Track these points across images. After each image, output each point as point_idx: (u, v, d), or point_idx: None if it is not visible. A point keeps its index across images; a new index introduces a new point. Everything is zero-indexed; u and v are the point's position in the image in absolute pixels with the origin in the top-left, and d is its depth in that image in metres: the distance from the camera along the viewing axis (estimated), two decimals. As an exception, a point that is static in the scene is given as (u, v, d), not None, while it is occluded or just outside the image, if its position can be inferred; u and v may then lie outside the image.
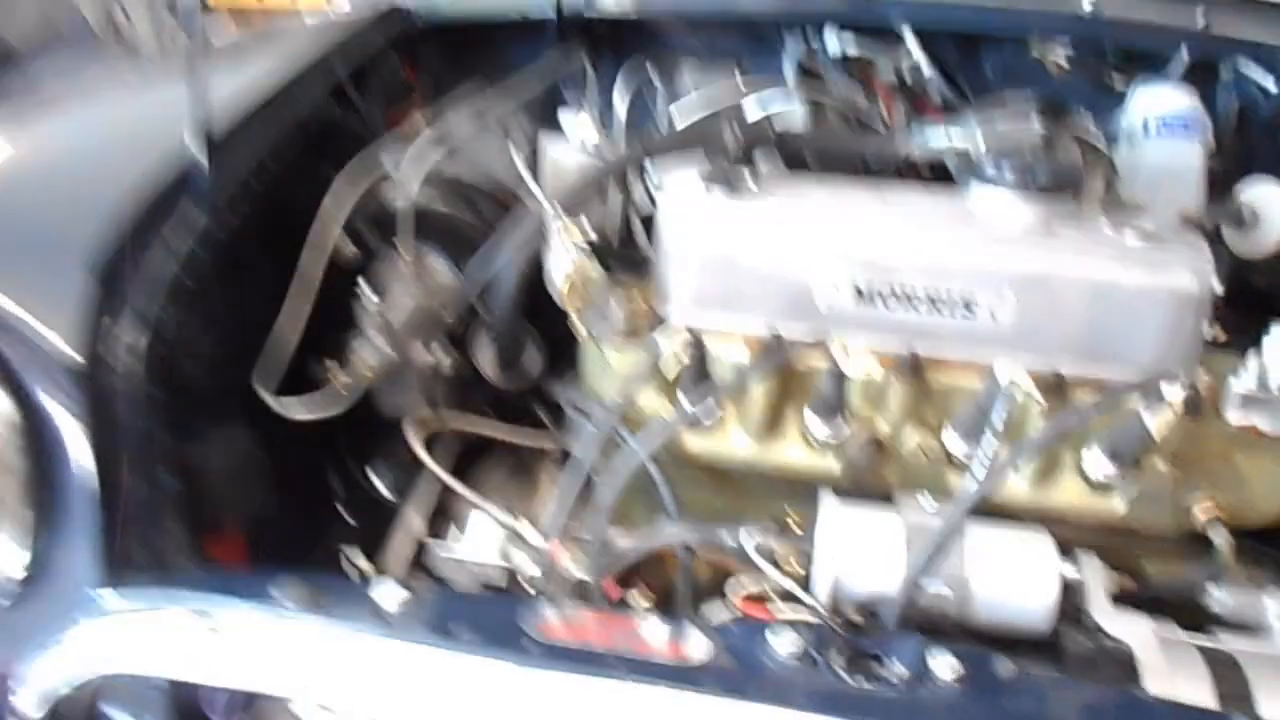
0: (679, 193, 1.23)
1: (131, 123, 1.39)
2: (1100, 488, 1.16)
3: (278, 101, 1.41)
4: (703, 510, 1.22)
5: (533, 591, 1.11)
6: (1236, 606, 1.08)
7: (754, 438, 1.20)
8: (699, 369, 1.14)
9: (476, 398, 1.50)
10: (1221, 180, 1.65)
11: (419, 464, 1.43)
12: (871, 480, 1.16)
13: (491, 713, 0.86)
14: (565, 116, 1.83)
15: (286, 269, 1.40)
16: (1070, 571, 1.06)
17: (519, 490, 1.46)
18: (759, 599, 1.06)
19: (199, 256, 1.15)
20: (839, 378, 1.08)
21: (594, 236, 1.17)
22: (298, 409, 1.23)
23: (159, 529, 1.06)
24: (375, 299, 1.31)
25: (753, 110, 1.48)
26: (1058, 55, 1.86)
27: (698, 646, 0.86)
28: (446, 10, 1.86)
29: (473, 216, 1.56)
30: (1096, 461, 1.13)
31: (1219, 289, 1.13)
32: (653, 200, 1.58)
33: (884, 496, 1.15)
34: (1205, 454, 1.14)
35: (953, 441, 1.15)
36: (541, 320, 1.38)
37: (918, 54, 1.69)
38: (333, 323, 1.38)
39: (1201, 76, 1.79)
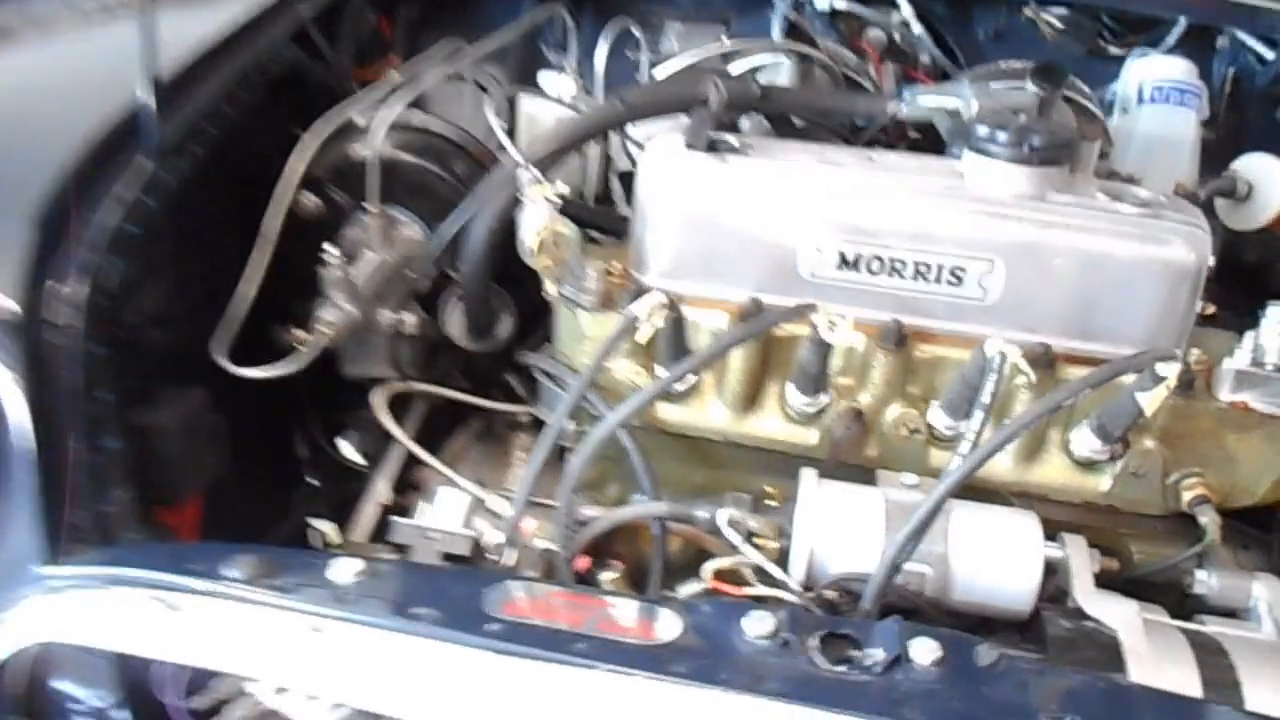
0: (658, 152, 1.17)
1: (79, 65, 1.32)
2: (1085, 465, 1.12)
3: (235, 44, 1.34)
4: (678, 483, 1.18)
5: (497, 561, 1.06)
6: (1223, 590, 1.05)
7: (732, 409, 1.16)
8: (675, 336, 1.09)
9: (447, 363, 1.45)
10: (1214, 150, 1.62)
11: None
12: (852, 454, 1.12)
13: (450, 692, 0.82)
14: (545, 76, 1.77)
15: (251, 226, 1.35)
16: (1054, 552, 1.03)
17: (490, 459, 1.42)
18: (733, 576, 1.02)
19: (146, 205, 1.09)
20: (821, 347, 1.04)
21: (566, 191, 1.11)
22: (251, 369, 1.18)
23: (106, 498, 1.00)
24: (337, 255, 1.25)
25: (737, 66, 1.42)
26: (1051, 19, 1.81)
27: (668, 628, 0.82)
28: (423, -38, 1.79)
29: (446, 174, 1.50)
30: (1083, 438, 1.09)
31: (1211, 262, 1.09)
32: (632, 160, 1.52)
33: (864, 471, 1.12)
34: (1194, 432, 1.11)
35: (936, 416, 1.11)
36: (515, 284, 1.33)
37: (907, 10, 1.63)
38: (303, 289, 1.33)
39: (1197, 43, 1.75)
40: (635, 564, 1.18)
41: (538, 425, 1.36)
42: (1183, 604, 1.08)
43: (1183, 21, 1.69)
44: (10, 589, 0.95)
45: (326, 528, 1.48)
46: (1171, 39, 1.71)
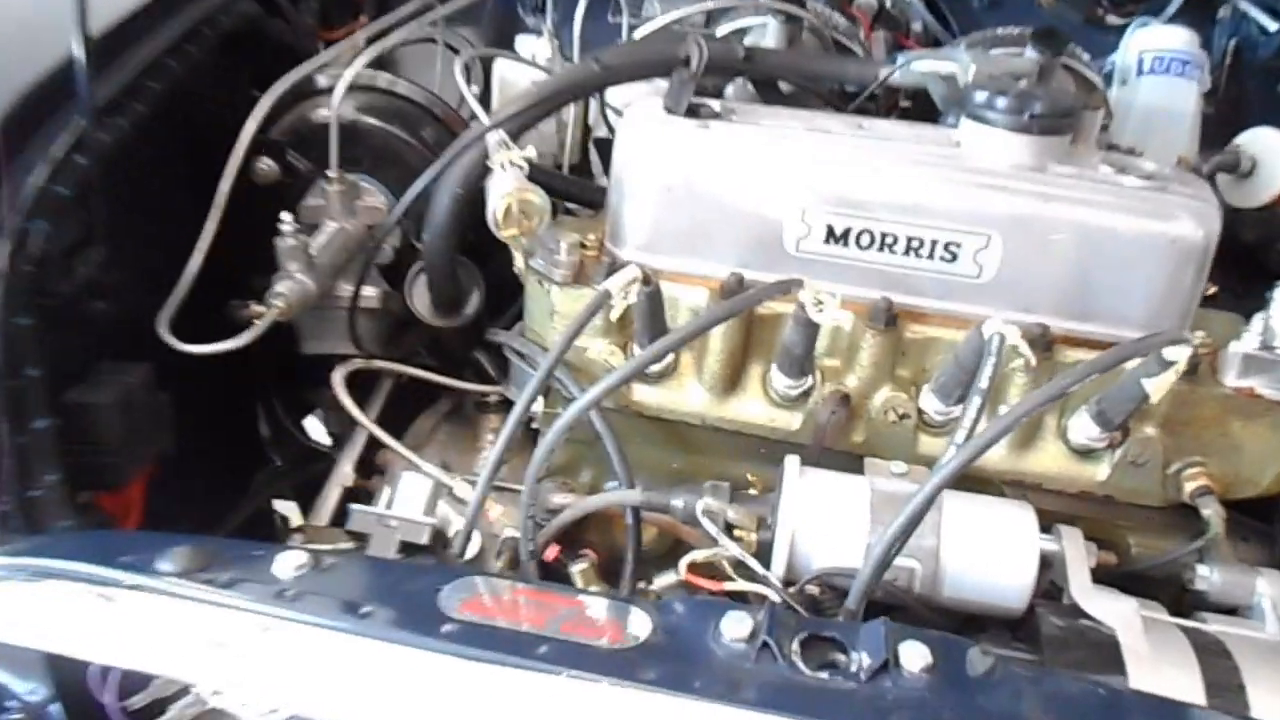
0: (636, 117, 1.10)
1: (11, 15, 1.23)
2: (1082, 453, 1.07)
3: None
4: (654, 469, 1.12)
5: (460, 552, 1.00)
6: (1225, 586, 1.00)
7: (711, 391, 1.09)
8: (652, 313, 1.02)
9: (414, 341, 1.38)
10: (1213, 123, 1.56)
11: (360, 409, 1.31)
12: (837, 440, 1.06)
13: (401, 699, 0.76)
14: (522, 40, 1.69)
15: (206, 193, 1.27)
16: (1048, 545, 0.97)
17: (458, 442, 1.35)
18: (711, 569, 0.96)
19: (77, 164, 1.01)
20: (807, 327, 0.97)
21: (534, 155, 1.03)
22: (197, 345, 1.10)
23: (33, 482, 0.93)
24: (292, 224, 1.17)
25: (721, 29, 1.34)
26: (1049, -14, 1.74)
27: (638, 629, 0.76)
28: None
29: (413, 139, 1.42)
30: (1081, 425, 1.03)
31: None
32: (610, 127, 1.45)
33: (850, 458, 1.06)
34: (1197, 419, 1.05)
35: (927, 400, 1.05)
36: (486, 257, 1.26)
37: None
38: (261, 260, 1.25)
39: (1198, 14, 1.68)
40: (608, 553, 1.12)
41: (508, 406, 1.29)
42: (1181, 600, 1.03)
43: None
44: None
45: (289, 510, 1.41)
46: (1172, 8, 1.65)
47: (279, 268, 1.19)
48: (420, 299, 1.25)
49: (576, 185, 1.37)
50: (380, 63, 1.58)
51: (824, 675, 0.74)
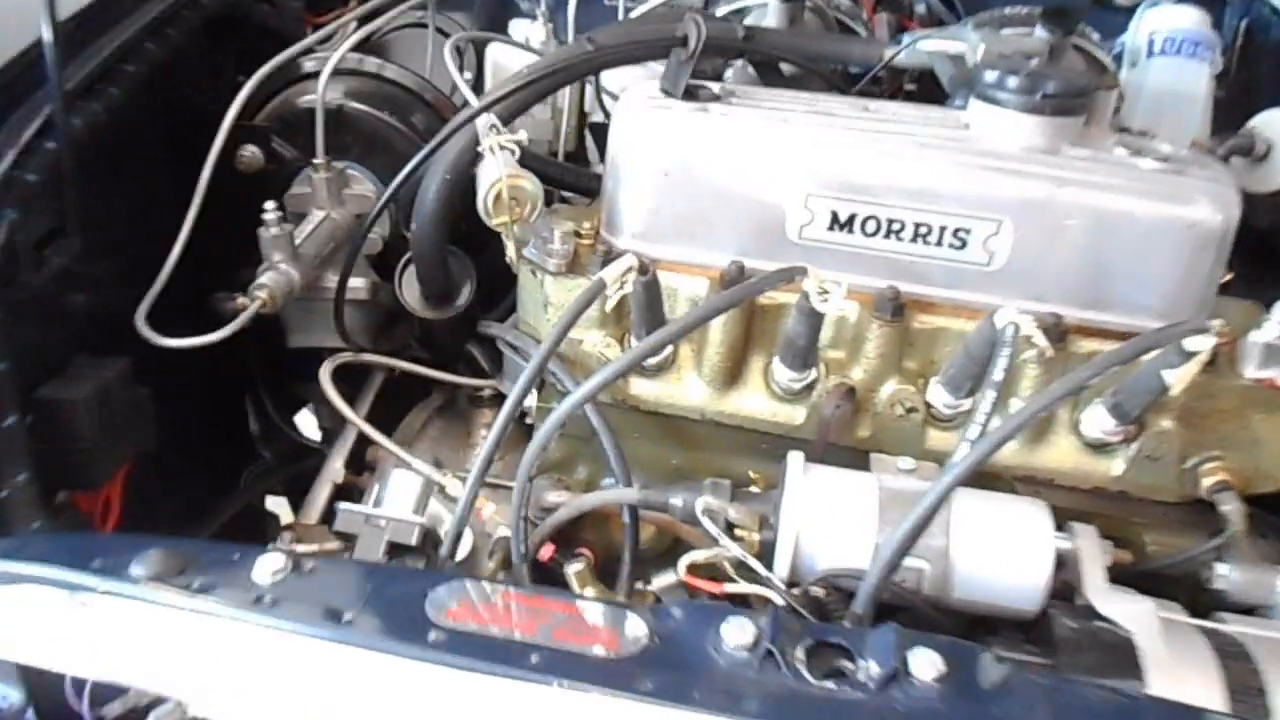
0: (632, 101, 1.06)
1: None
2: (1096, 447, 1.03)
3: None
4: (652, 466, 1.08)
5: (446, 553, 0.96)
6: (1245, 585, 0.96)
7: (711, 384, 1.05)
8: (649, 304, 0.98)
9: (405, 333, 1.34)
10: (1224, 106, 1.52)
11: (350, 406, 1.27)
12: (842, 435, 1.02)
13: (385, 710, 0.72)
14: (516, 24, 1.65)
15: (189, 181, 1.22)
16: (1062, 543, 0.93)
17: (450, 437, 1.31)
18: (711, 571, 0.92)
19: (47, 150, 0.96)
20: (811, 318, 0.93)
21: (524, 139, 0.99)
22: (171, 339, 1.06)
23: (3, 482, 0.89)
24: (275, 213, 1.13)
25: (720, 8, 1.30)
26: (1057, -34, 1.69)
27: (635, 636, 0.72)
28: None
29: (403, 125, 1.38)
30: (1096, 418, 0.99)
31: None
32: (605, 111, 1.41)
33: (856, 454, 1.02)
34: (1216, 411, 1.01)
35: (936, 393, 1.01)
36: (480, 247, 1.22)
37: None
38: (247, 251, 1.21)
39: (1209, -6, 1.64)
40: (605, 552, 1.09)
41: (502, 400, 1.25)
42: (1199, 599, 0.99)
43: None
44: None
45: (280, 507, 1.37)
46: (1182, -13, 1.60)
47: (263, 259, 1.15)
48: (410, 290, 1.21)
49: (571, 172, 1.33)
50: (370, 48, 1.54)
51: (831, 685, 0.70)
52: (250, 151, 1.29)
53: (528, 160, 1.07)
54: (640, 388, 1.07)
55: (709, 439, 1.08)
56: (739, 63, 1.29)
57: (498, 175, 0.97)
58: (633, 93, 1.07)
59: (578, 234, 1.07)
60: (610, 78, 1.38)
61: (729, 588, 0.90)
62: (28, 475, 0.90)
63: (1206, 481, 1.00)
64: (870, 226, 0.99)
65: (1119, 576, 0.94)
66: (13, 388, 0.91)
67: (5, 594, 0.80)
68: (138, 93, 1.12)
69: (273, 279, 1.12)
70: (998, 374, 0.85)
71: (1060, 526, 0.94)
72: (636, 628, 0.73)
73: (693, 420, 1.07)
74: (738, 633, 0.72)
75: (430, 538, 1.03)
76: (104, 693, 0.85)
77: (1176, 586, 1.00)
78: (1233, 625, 0.92)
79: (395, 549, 0.99)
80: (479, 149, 1.02)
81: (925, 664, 0.71)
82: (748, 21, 1.35)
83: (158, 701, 0.85)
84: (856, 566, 0.88)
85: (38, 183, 0.95)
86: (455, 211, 1.12)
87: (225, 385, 1.51)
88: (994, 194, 0.97)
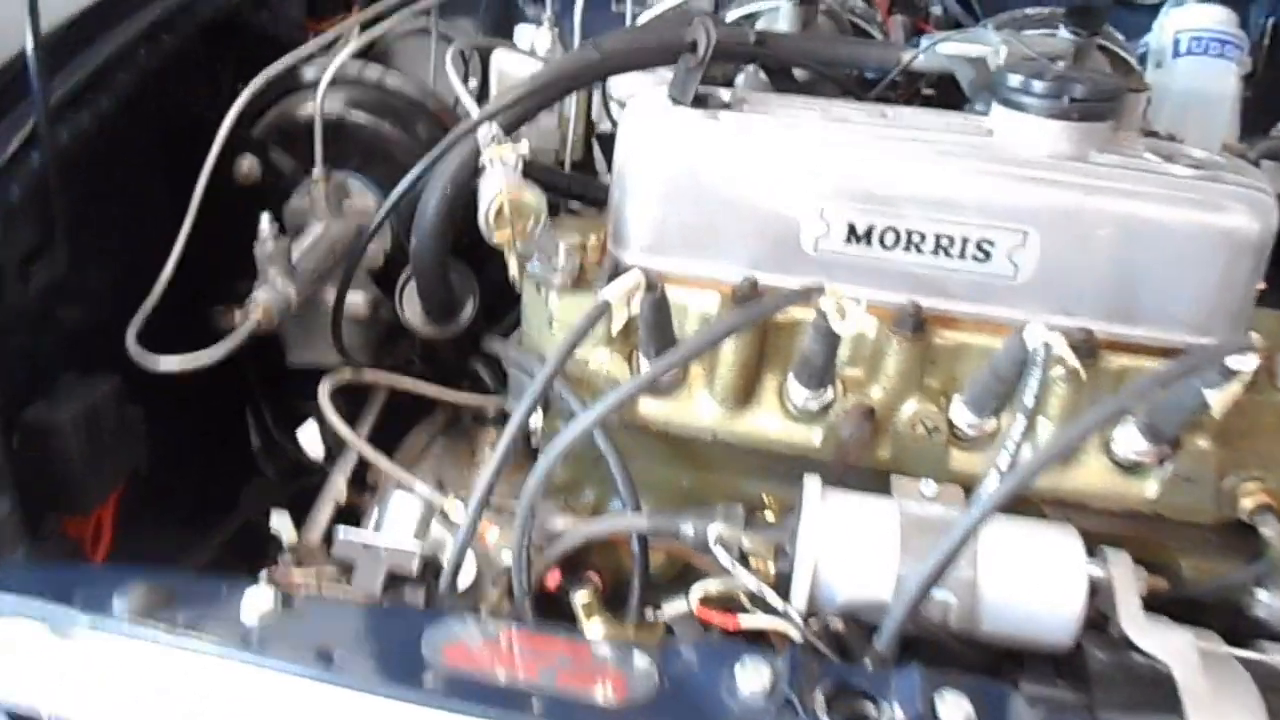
0: (639, 109, 1.02)
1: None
2: (1129, 468, 0.98)
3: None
4: (662, 488, 1.04)
5: (445, 584, 0.91)
6: (1289, 614, 0.91)
7: (723, 403, 1.01)
8: (658, 322, 0.94)
9: (407, 349, 1.30)
10: (1251, 107, 1.47)
11: (352, 424, 1.24)
12: (861, 457, 0.97)
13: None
14: (521, 30, 1.61)
15: (186, 194, 1.19)
16: (1095, 570, 0.88)
17: (454, 457, 1.27)
18: (725, 603, 0.87)
19: (31, 164, 0.93)
20: (828, 336, 0.89)
21: (526, 150, 0.95)
22: (160, 361, 1.02)
23: (-15, 510, 0.86)
24: (270, 226, 1.09)
25: (731, 12, 1.26)
26: (1077, -35, 1.65)
27: (643, 681, 0.68)
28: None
29: (406, 135, 1.34)
30: (1128, 438, 0.94)
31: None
32: (613, 120, 1.37)
33: (875, 475, 0.97)
34: (1254, 429, 0.96)
35: (959, 413, 0.96)
36: (485, 259, 1.18)
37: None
38: (245, 265, 1.18)
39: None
40: (614, 575, 1.04)
41: (508, 418, 1.21)
42: (1237, 626, 0.94)
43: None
44: None
45: (283, 527, 1.34)
46: (1207, -14, 1.55)
47: (258, 274, 1.11)
48: (411, 307, 1.17)
49: (579, 182, 1.29)
50: (373, 55, 1.50)
51: (853, 733, 0.66)
52: (248, 162, 1.25)
53: (532, 171, 1.03)
54: (649, 407, 1.02)
55: (721, 460, 1.03)
56: (750, 68, 1.25)
57: (499, 188, 0.93)
58: (640, 100, 1.03)
59: (584, 247, 1.03)
60: (618, 85, 1.34)
61: (744, 621, 0.85)
62: (11, 501, 0.86)
63: (1246, 503, 0.95)
64: (889, 238, 0.94)
65: (1154, 604, 0.90)
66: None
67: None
68: (130, 102, 1.09)
69: (268, 296, 1.09)
70: (1028, 398, 0.81)
71: (1092, 552, 0.90)
72: (645, 671, 0.69)
73: (704, 441, 1.03)
74: (753, 677, 0.68)
75: (431, 566, 0.99)
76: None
77: (1214, 613, 0.95)
78: (1275, 655, 0.87)
79: (395, 579, 0.95)
80: (480, 161, 0.97)
81: (953, 709, 0.67)
82: (759, 25, 1.31)
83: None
84: (878, 598, 0.83)
85: (22, 197, 0.92)
86: (457, 224, 1.08)
87: (224, 399, 1.48)
88: (1019, 203, 0.92)
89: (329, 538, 1.22)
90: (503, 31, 1.69)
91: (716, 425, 1.01)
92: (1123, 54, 1.26)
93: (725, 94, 1.02)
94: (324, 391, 1.17)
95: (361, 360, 1.26)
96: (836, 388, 0.98)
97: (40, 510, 0.93)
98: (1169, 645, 0.84)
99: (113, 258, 1.12)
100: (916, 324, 0.94)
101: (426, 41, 1.64)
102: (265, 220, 1.10)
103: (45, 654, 0.76)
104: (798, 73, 1.22)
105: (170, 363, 1.01)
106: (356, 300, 1.22)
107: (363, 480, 1.30)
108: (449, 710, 0.66)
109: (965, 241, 0.93)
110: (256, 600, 0.74)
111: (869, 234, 0.94)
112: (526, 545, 0.91)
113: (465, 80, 1.34)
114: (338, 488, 1.29)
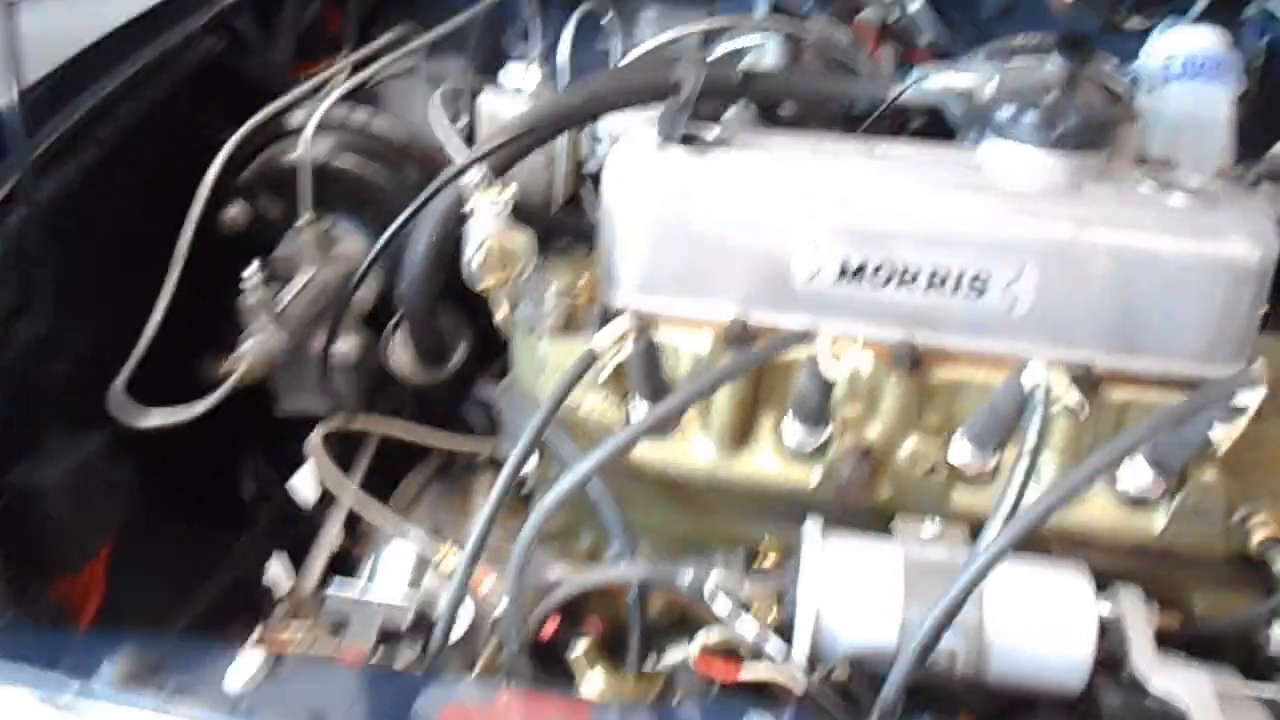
0: (626, 148, 1.01)
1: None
2: (1135, 502, 0.96)
3: (137, 33, 1.17)
4: (660, 532, 1.02)
5: (438, 642, 0.89)
6: (1304, 649, 0.88)
7: (719, 444, 0.99)
8: (649, 366, 0.92)
9: (399, 394, 1.29)
10: (1245, 128, 1.46)
11: (345, 470, 1.22)
12: (861, 497, 0.95)
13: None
14: (508, 70, 1.60)
15: (173, 244, 1.18)
16: (1105, 608, 0.86)
17: (448, 502, 1.25)
18: (727, 652, 0.85)
19: (13, 220, 0.92)
20: (823, 377, 0.87)
21: (511, 194, 0.94)
22: (145, 416, 1.00)
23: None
24: (257, 274, 1.08)
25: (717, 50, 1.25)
26: (1063, -9, 1.65)
27: (642, 743, 0.66)
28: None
29: (395, 179, 1.33)
30: (1134, 472, 0.92)
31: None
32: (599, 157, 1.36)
33: (877, 515, 0.96)
34: (1262, 460, 0.94)
35: (960, 451, 0.94)
36: (474, 301, 1.17)
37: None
38: (234, 314, 1.16)
39: (1222, 15, 1.58)
40: (613, 621, 1.02)
41: (502, 464, 1.20)
42: (1252, 662, 0.92)
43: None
44: None
45: (279, 577, 1.32)
46: (1198, 7, 1.55)
47: (244, 325, 1.10)
48: (400, 353, 1.15)
49: (570, 221, 1.28)
50: (363, 97, 1.50)
51: (860, 793, 0.64)
52: (236, 210, 1.24)
53: (521, 212, 1.02)
54: (644, 450, 1.00)
55: (719, 503, 1.01)
56: (739, 103, 1.24)
57: (486, 234, 0.92)
58: (627, 139, 1.02)
59: (573, 289, 1.02)
60: (608, 122, 1.33)
61: (746, 671, 0.83)
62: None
63: (1256, 536, 0.93)
64: (883, 275, 0.93)
65: (1167, 641, 0.87)
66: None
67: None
68: (114, 154, 1.08)
69: (255, 346, 1.07)
70: (1030, 440, 0.79)
71: (1101, 589, 0.87)
72: (645, 731, 0.67)
73: (701, 483, 1.01)
74: (756, 735, 0.65)
75: (425, 619, 0.97)
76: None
77: (1227, 649, 0.93)
78: (1290, 694, 0.85)
79: (388, 635, 0.93)
80: (464, 206, 0.96)
81: (964, 765, 0.64)
82: (747, 61, 1.30)
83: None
84: (883, 645, 0.81)
85: (3, 254, 0.90)
86: (447, 267, 1.07)
87: (216, 448, 1.46)
88: (1014, 237, 0.91)
89: (325, 585, 1.20)
90: (492, 70, 1.69)
91: (713, 467, 0.99)
92: (1113, 81, 1.25)
93: (713, 131, 1.01)
94: (316, 441, 1.16)
95: (353, 406, 1.25)
96: (834, 426, 0.96)
97: (29, 573, 0.91)
98: (1185, 686, 0.82)
99: (100, 311, 1.11)
100: (913, 361, 0.93)
101: (416, 83, 1.64)
102: (250, 272, 1.09)
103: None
104: (787, 107, 1.21)
105: (155, 418, 1.00)
106: (347, 346, 1.21)
107: (358, 525, 1.28)
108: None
109: (960, 276, 0.92)
110: (246, 665, 0.72)
111: (861, 270, 0.93)
112: (521, 602, 0.89)
113: (455, 120, 1.34)
114: (331, 535, 1.27)
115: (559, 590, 0.92)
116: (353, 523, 1.29)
